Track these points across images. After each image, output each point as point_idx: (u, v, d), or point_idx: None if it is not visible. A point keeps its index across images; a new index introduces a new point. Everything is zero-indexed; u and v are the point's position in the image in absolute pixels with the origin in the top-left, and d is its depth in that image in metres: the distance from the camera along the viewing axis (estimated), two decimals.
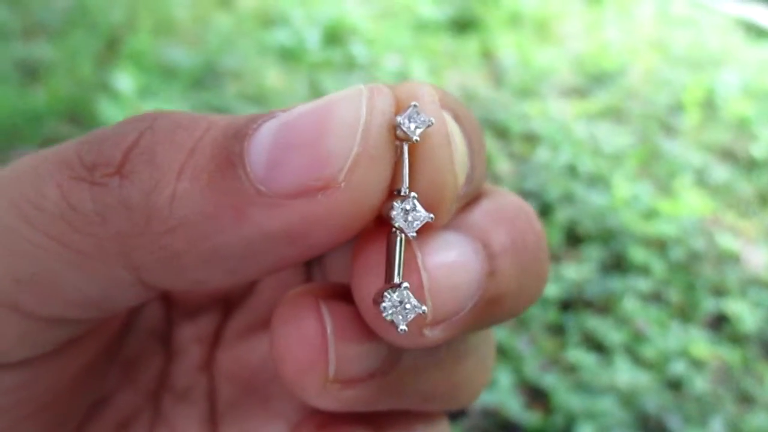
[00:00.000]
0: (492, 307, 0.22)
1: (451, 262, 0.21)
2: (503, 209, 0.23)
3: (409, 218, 0.20)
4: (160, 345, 0.30)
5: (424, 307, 0.20)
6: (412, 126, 0.19)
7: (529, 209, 0.24)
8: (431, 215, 0.20)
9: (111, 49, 2.03)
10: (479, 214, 0.22)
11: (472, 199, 0.23)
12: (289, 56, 2.25)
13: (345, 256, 0.28)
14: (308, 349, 0.21)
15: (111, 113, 1.69)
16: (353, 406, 0.23)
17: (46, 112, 1.70)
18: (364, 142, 0.19)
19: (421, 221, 0.20)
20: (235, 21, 2.40)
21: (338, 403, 0.22)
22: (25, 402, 0.23)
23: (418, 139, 0.19)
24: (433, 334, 0.21)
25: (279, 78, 2.12)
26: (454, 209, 0.21)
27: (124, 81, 1.78)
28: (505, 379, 1.28)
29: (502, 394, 1.25)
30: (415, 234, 0.20)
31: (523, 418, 1.23)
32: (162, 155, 0.19)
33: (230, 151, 0.19)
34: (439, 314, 0.21)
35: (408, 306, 0.20)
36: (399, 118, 0.19)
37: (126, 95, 1.75)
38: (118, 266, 0.19)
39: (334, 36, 2.41)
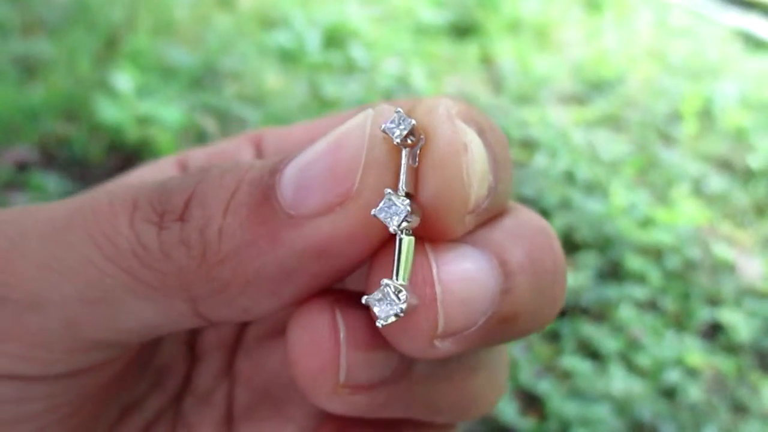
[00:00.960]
0: (505, 324, 0.22)
1: (466, 275, 0.21)
2: (524, 228, 0.23)
3: (389, 213, 0.20)
4: (186, 350, 0.31)
5: (402, 305, 0.20)
6: (396, 130, 0.20)
7: (550, 231, 0.24)
8: (407, 207, 0.20)
9: (110, 47, 2.03)
10: (499, 231, 0.23)
11: (495, 214, 0.23)
12: (289, 58, 2.25)
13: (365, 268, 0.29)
14: (321, 354, 0.22)
15: (109, 112, 1.69)
16: (363, 411, 0.23)
17: (43, 109, 1.70)
18: (370, 152, 0.21)
19: (401, 214, 0.20)
20: (235, 22, 2.40)
21: (348, 407, 0.23)
22: (56, 408, 0.24)
23: (398, 141, 0.20)
24: (443, 346, 0.21)
25: (278, 79, 2.12)
26: (472, 221, 0.22)
27: (123, 80, 1.78)
28: None
29: None
30: (396, 228, 0.20)
31: (517, 424, 1.23)
32: (211, 198, 0.22)
33: (266, 185, 0.21)
34: (450, 327, 0.21)
35: (389, 303, 0.20)
36: (383, 125, 0.21)
37: (125, 94, 1.75)
38: (177, 298, 0.22)
39: (334, 38, 2.41)
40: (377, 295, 0.20)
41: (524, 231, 0.23)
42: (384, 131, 0.21)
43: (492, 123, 0.23)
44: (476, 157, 0.21)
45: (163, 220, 0.22)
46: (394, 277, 0.20)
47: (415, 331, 0.21)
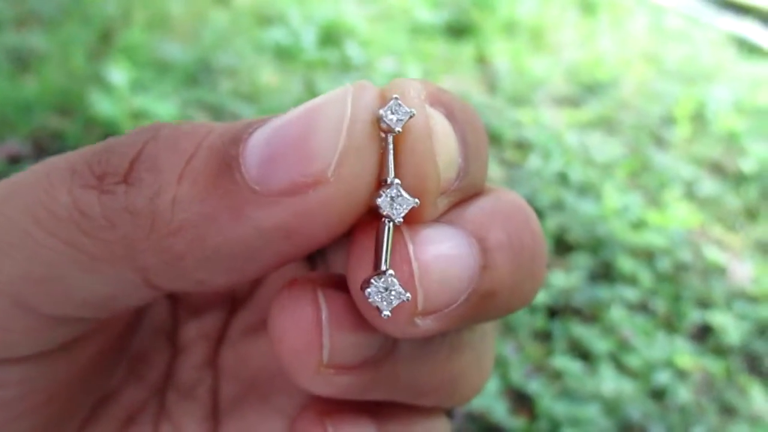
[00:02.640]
0: (485, 301, 0.22)
1: (442, 253, 0.21)
2: (501, 206, 0.23)
3: (395, 204, 0.20)
4: (167, 342, 0.30)
5: (408, 294, 0.20)
6: (394, 118, 0.20)
7: (528, 208, 0.24)
8: (416, 200, 0.20)
9: (105, 41, 2.02)
10: (476, 210, 0.23)
11: (470, 195, 0.23)
12: (285, 55, 2.25)
13: (346, 250, 0.28)
14: (303, 334, 0.22)
15: (103, 106, 1.68)
16: (346, 392, 0.23)
17: (36, 103, 1.69)
18: (350, 136, 0.19)
19: (408, 206, 0.20)
20: (231, 18, 2.40)
21: (331, 388, 0.23)
22: (29, 396, 0.24)
23: (399, 130, 0.20)
24: (424, 324, 0.21)
25: (274, 77, 2.12)
26: (444, 203, 0.22)
27: (117, 74, 1.77)
28: (491, 384, 1.28)
29: (487, 398, 1.25)
30: (401, 219, 0.20)
31: (507, 423, 1.23)
32: (164, 162, 0.20)
33: (227, 155, 0.20)
34: (429, 304, 0.21)
35: (393, 293, 0.20)
36: (381, 111, 0.20)
37: (118, 89, 1.74)
38: (125, 268, 0.20)
39: (330, 36, 2.41)
40: (380, 283, 0.20)
41: (501, 208, 0.23)
42: (381, 118, 0.20)
43: (463, 104, 0.23)
44: (442, 139, 0.21)
45: (103, 183, 0.20)
46: (384, 265, 0.20)
47: (396, 310, 0.21)
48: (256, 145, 0.20)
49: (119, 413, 0.28)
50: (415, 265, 0.21)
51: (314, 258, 0.30)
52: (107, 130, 1.67)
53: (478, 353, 0.25)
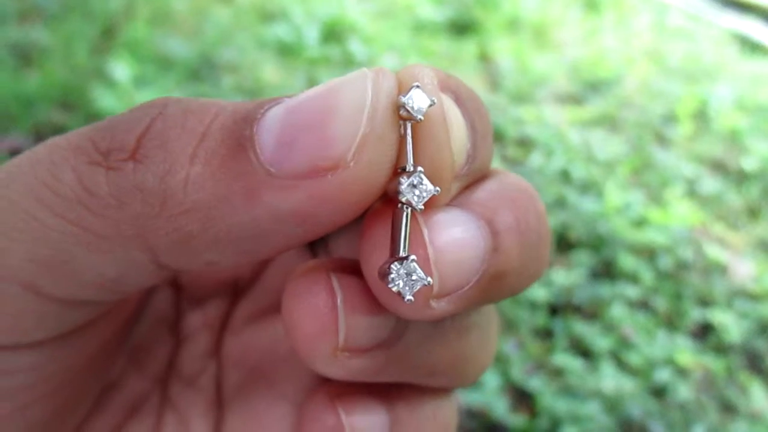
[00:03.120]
0: (495, 282, 0.22)
1: (456, 237, 0.22)
2: (507, 189, 0.23)
3: (417, 192, 0.20)
4: (169, 332, 0.30)
5: (429, 279, 0.21)
6: (416, 105, 0.20)
7: (532, 190, 0.24)
8: (437, 188, 0.21)
9: (107, 36, 2.02)
10: (484, 193, 0.23)
11: (477, 178, 0.24)
12: (287, 51, 2.25)
13: (348, 237, 0.29)
14: (319, 319, 0.22)
15: (105, 101, 1.68)
16: (361, 375, 0.23)
17: (39, 97, 1.69)
18: (371, 122, 0.19)
19: (429, 194, 0.20)
20: (234, 14, 2.40)
21: (346, 371, 0.23)
22: (38, 384, 0.24)
23: (422, 118, 0.20)
24: (439, 306, 0.21)
25: (276, 73, 2.12)
26: (455, 187, 0.22)
27: (120, 69, 1.77)
28: (492, 381, 1.29)
29: (488, 395, 1.25)
30: (422, 207, 0.20)
31: (508, 420, 1.24)
32: (174, 140, 0.20)
33: (240, 135, 0.19)
34: (444, 287, 0.21)
35: (414, 277, 0.20)
36: (403, 99, 0.20)
37: (121, 83, 1.74)
38: (134, 248, 0.20)
39: (332, 33, 2.41)
40: (404, 272, 0.20)
41: (508, 192, 0.23)
42: (403, 105, 0.20)
43: (469, 90, 0.23)
44: (455, 126, 0.21)
45: (109, 158, 0.20)
46: (401, 251, 0.20)
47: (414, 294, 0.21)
48: (270, 125, 0.19)
49: (123, 403, 0.28)
50: (430, 249, 0.21)
51: (314, 242, 0.30)
52: None
53: (484, 333, 0.26)
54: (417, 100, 0.20)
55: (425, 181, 0.20)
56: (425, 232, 0.21)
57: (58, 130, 1.64)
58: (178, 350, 0.30)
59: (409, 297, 0.20)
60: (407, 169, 0.20)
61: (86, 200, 0.20)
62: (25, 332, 0.22)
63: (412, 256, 0.20)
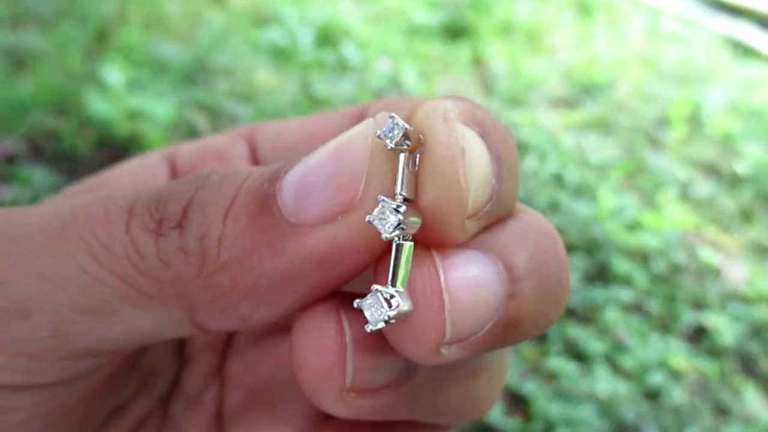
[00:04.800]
0: (509, 329, 0.22)
1: (473, 282, 0.21)
2: (530, 232, 0.23)
3: (382, 220, 0.20)
4: (175, 352, 0.31)
5: (391, 312, 0.20)
6: (390, 135, 0.20)
7: (555, 234, 0.24)
8: (400, 215, 0.20)
9: (101, 41, 2.02)
10: (506, 235, 0.22)
11: (501, 218, 0.23)
12: (281, 55, 2.25)
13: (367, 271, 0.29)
14: (327, 359, 0.22)
15: (99, 106, 1.68)
16: (367, 414, 0.23)
17: (32, 102, 1.69)
18: (372, 161, 0.20)
19: (392, 222, 0.20)
20: (228, 18, 2.40)
21: (352, 411, 0.23)
22: (47, 414, 0.24)
23: (392, 146, 0.20)
24: (449, 353, 0.21)
25: (270, 77, 2.12)
26: (475, 226, 0.21)
27: (113, 74, 1.77)
28: None
29: None
30: (388, 235, 0.20)
31: (502, 424, 1.24)
32: (210, 205, 0.21)
33: (265, 194, 0.21)
34: (457, 333, 0.21)
35: (379, 309, 0.20)
36: (378, 131, 0.20)
37: (114, 88, 1.74)
38: (174, 306, 0.21)
39: (326, 37, 2.41)
40: (369, 300, 0.20)
41: (530, 235, 0.23)
42: (379, 137, 0.20)
43: (497, 123, 0.22)
44: (475, 160, 0.21)
45: (161, 227, 0.21)
46: (389, 284, 0.20)
47: (422, 339, 0.21)
48: (291, 181, 0.21)
49: (127, 424, 0.29)
50: (446, 296, 0.21)
51: None
52: (103, 129, 1.67)
53: (494, 373, 0.25)
54: (392, 130, 0.20)
55: (389, 207, 0.20)
56: (442, 275, 0.21)
57: (52, 135, 1.63)
58: (183, 369, 0.30)
59: (370, 326, 0.20)
60: (395, 198, 0.20)
61: (136, 260, 0.21)
62: (38, 374, 0.23)
63: (376, 286, 0.20)
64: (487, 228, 0.22)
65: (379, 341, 0.22)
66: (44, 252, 0.21)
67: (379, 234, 0.20)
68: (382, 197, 0.20)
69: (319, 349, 0.22)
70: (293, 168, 0.21)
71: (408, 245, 0.20)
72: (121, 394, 0.29)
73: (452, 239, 0.21)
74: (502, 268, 0.21)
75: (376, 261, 0.22)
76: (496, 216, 0.22)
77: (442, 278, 0.21)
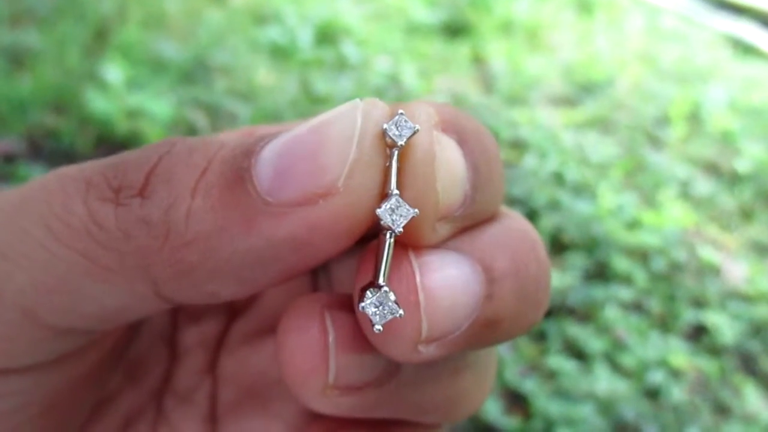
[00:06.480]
0: (487, 329, 0.22)
1: (449, 282, 0.21)
2: (509, 234, 0.23)
3: (395, 215, 0.20)
4: (166, 348, 0.30)
5: (401, 311, 0.20)
6: (398, 132, 0.20)
7: (535, 236, 0.24)
8: (416, 210, 0.20)
9: (100, 39, 2.02)
10: (484, 237, 0.23)
11: (480, 221, 0.23)
12: (281, 54, 2.25)
13: (351, 267, 0.29)
14: (310, 356, 0.22)
15: (98, 104, 1.68)
16: (351, 412, 0.24)
17: (31, 101, 1.68)
18: (360, 149, 0.20)
19: (406, 217, 0.20)
20: (227, 16, 2.39)
21: (336, 408, 0.23)
22: (30, 404, 0.24)
23: (402, 143, 0.20)
24: (427, 351, 0.21)
25: (269, 75, 2.12)
26: (446, 228, 0.22)
27: (113, 72, 1.77)
28: None
29: None
30: (401, 230, 0.20)
31: (502, 423, 1.24)
32: (178, 175, 0.20)
33: (239, 168, 0.20)
34: (434, 332, 0.21)
35: (386, 309, 0.20)
36: (385, 125, 0.20)
37: (114, 87, 1.73)
38: (138, 280, 0.21)
39: (326, 35, 2.41)
40: (376, 300, 0.20)
41: (509, 237, 0.23)
42: (385, 132, 0.20)
43: (480, 131, 0.23)
44: (448, 165, 0.21)
45: (120, 196, 0.21)
46: (381, 279, 0.20)
47: (400, 337, 0.21)
48: (267, 157, 0.20)
49: (117, 417, 0.29)
50: (421, 294, 0.21)
51: (317, 272, 0.30)
52: (102, 128, 1.67)
53: (479, 373, 0.25)
54: (398, 127, 0.20)
55: (402, 203, 0.20)
56: (417, 274, 0.21)
57: (51, 133, 1.63)
58: (174, 366, 0.30)
59: (378, 326, 0.20)
60: (388, 194, 0.20)
61: (95, 233, 0.20)
62: (15, 357, 0.22)
63: (384, 287, 0.20)
64: (466, 231, 0.22)
65: (362, 340, 0.22)
66: (4, 232, 0.21)
67: (362, 221, 0.20)
68: (396, 191, 0.20)
69: (303, 348, 0.22)
70: (271, 142, 0.20)
71: (392, 242, 0.21)
72: (107, 386, 0.29)
73: (421, 240, 0.21)
74: (479, 269, 0.22)
75: (361, 257, 0.22)
76: (472, 220, 0.23)
77: (417, 277, 0.21)
